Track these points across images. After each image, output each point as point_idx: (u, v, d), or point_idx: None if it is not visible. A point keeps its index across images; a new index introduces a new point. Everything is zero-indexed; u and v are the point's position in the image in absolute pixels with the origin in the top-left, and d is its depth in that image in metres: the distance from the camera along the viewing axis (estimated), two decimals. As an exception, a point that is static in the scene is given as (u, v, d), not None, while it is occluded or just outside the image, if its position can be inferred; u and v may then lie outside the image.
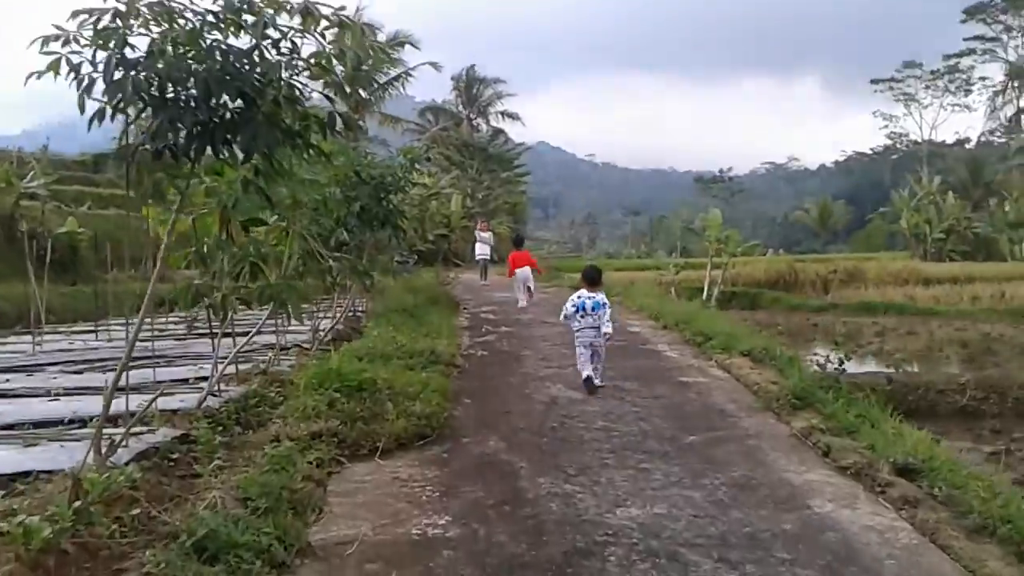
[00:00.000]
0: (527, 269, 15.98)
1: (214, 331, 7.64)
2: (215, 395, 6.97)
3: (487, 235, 23.85)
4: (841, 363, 7.90)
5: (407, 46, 39.57)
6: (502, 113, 62.08)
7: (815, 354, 13.40)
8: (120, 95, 4.25)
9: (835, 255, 47.88)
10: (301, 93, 4.78)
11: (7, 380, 8.31)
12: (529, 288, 15.94)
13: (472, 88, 61.87)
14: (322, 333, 11.13)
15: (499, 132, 60.48)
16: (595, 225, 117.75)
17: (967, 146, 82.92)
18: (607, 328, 8.36)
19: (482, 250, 23.40)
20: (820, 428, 6.62)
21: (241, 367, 8.50)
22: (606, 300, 8.54)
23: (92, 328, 12.83)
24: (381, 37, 39.33)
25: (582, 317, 8.33)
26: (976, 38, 72.55)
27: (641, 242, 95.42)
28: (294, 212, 7.28)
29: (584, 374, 8.25)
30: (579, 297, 8.47)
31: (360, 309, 15.19)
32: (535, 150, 74.98)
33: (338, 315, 12.58)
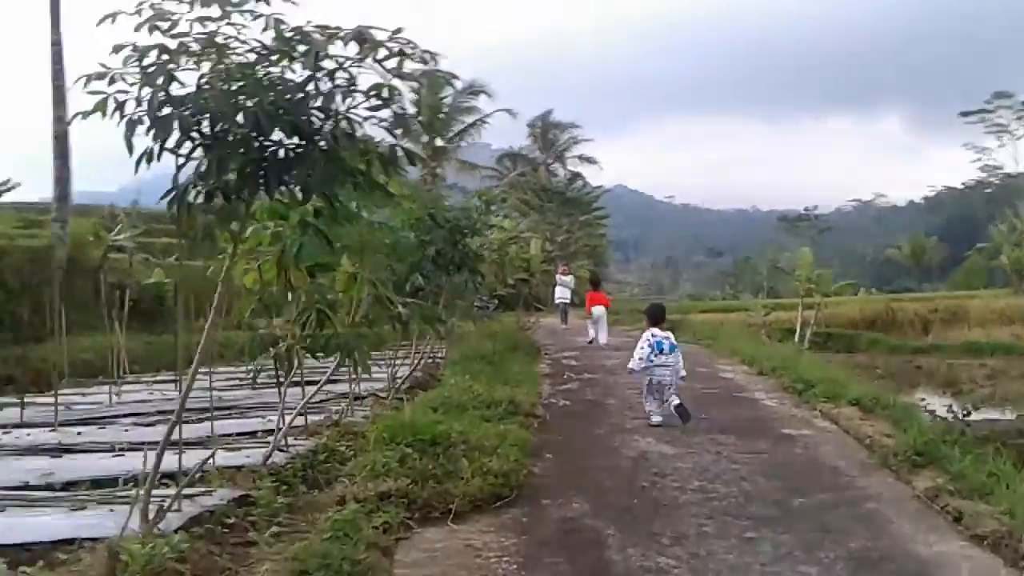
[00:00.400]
0: (602, 308, 16.83)
1: (280, 381, 7.29)
2: (282, 450, 6.60)
3: (568, 279, 23.16)
4: (967, 413, 7.03)
5: (482, 95, 39.78)
6: (579, 157, 61.96)
7: (922, 399, 12.41)
8: (165, 134, 3.93)
9: (933, 293, 45.64)
10: (361, 127, 4.38)
11: (79, 432, 8.13)
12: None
13: (548, 133, 61.98)
14: (399, 381, 10.76)
15: (576, 176, 60.26)
16: (676, 267, 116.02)
17: (1066, 177, 78.79)
18: (683, 372, 8.53)
19: (562, 294, 22.76)
20: (948, 489, 5.79)
21: (313, 418, 8.15)
22: (675, 340, 8.65)
23: (173, 378, 12.77)
24: (456, 86, 39.68)
25: (656, 356, 8.28)
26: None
27: (726, 283, 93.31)
28: (362, 256, 6.91)
29: (654, 420, 8.25)
30: (653, 336, 8.43)
31: (440, 355, 14.86)
32: (613, 193, 74.44)
33: (416, 362, 12.21)
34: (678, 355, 8.44)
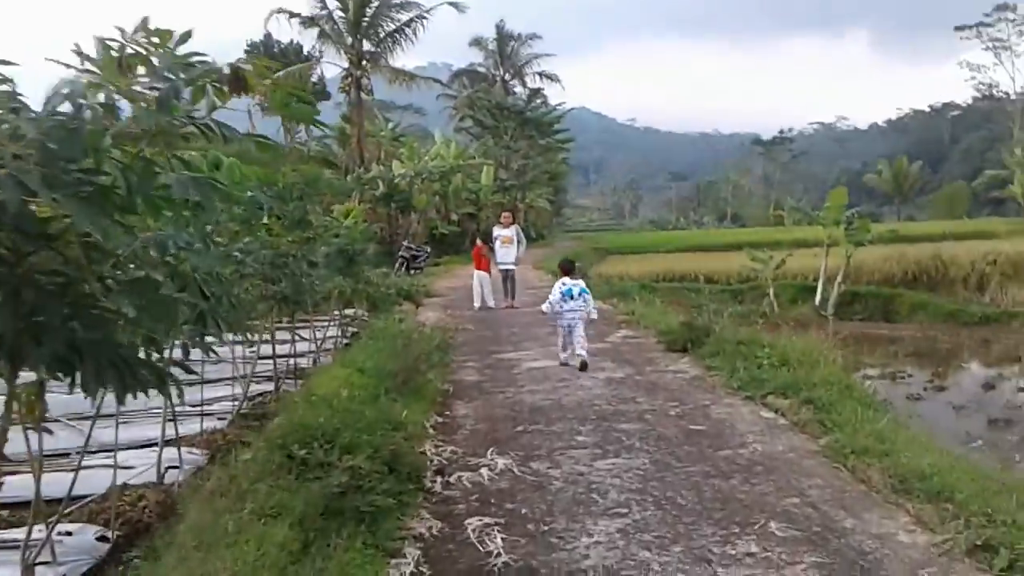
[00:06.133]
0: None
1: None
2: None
3: (510, 231, 14.51)
4: None
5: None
6: (539, 74, 53.33)
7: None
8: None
9: (939, 223, 38.36)
10: None
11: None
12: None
13: (505, 46, 52.98)
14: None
15: (537, 92, 51.53)
16: (638, 191, 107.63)
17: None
18: (594, 315, 9.04)
19: (504, 255, 14.50)
20: None
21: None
22: (585, 287, 8.99)
23: None
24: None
25: (566, 301, 8.74)
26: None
27: (689, 208, 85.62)
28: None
29: (562, 357, 8.91)
30: (563, 285, 8.85)
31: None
32: (574, 115, 65.55)
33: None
34: (587, 299, 8.84)
